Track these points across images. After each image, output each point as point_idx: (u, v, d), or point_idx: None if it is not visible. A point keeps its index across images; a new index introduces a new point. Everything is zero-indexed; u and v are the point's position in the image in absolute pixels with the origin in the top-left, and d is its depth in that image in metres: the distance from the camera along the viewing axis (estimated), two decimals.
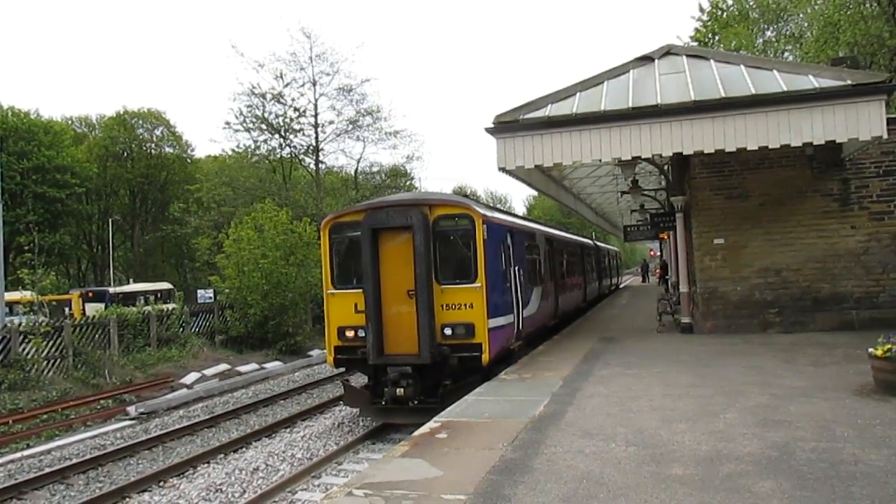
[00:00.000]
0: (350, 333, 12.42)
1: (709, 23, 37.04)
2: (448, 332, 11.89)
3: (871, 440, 6.54)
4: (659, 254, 52.22)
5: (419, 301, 11.70)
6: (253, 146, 41.72)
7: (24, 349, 18.80)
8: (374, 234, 12.05)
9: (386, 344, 12.09)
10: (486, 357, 11.82)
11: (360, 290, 12.15)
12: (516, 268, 14.21)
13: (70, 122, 63.29)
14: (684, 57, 14.87)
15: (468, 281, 12.02)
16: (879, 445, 6.36)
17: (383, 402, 11.99)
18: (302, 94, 40.28)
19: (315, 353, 25.91)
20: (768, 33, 36.13)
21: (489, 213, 13.34)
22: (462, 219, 12.26)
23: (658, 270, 44.46)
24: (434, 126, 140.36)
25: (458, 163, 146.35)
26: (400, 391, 11.67)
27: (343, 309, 12.57)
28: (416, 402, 11.77)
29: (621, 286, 51.48)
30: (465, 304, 11.92)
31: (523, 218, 23.36)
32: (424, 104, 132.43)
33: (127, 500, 10.11)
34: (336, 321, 12.68)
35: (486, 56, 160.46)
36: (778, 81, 12.63)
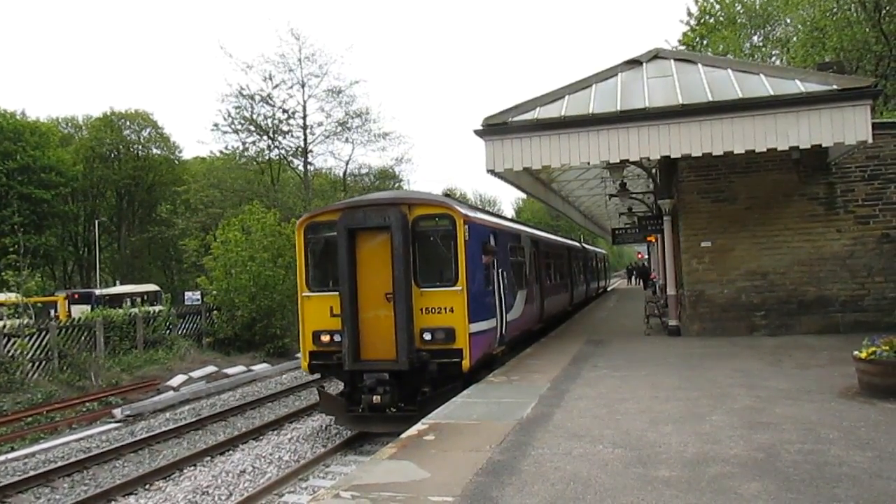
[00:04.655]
0: (325, 338, 12.01)
1: (697, 27, 37.30)
2: (427, 336, 11.45)
3: (856, 442, 6.58)
4: (646, 257, 52.52)
5: (397, 304, 11.29)
6: (241, 148, 41.72)
7: (8, 351, 18.63)
8: (350, 235, 11.64)
9: (363, 349, 11.68)
10: (466, 363, 11.39)
11: (337, 293, 11.73)
12: (500, 270, 13.81)
13: (56, 122, 62.88)
14: (672, 60, 14.96)
15: (449, 284, 11.61)
16: (864, 447, 6.41)
17: (360, 410, 11.62)
18: (291, 96, 40.49)
19: None
20: (755, 38, 36.42)
21: (471, 213, 12.92)
22: (442, 219, 11.82)
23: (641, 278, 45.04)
24: (423, 128, 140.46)
25: (447, 165, 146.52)
26: (377, 398, 11.29)
27: (318, 312, 12.13)
28: (393, 410, 11.42)
29: (609, 289, 51.61)
30: (446, 308, 11.52)
31: (508, 219, 22.99)
32: (414, 106, 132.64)
33: (112, 503, 10.04)
34: (311, 325, 12.26)
35: (476, 58, 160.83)
36: (765, 85, 12.72)
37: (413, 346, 11.28)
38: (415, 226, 11.67)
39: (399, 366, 11.27)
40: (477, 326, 11.83)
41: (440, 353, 11.43)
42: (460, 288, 11.52)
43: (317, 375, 14.61)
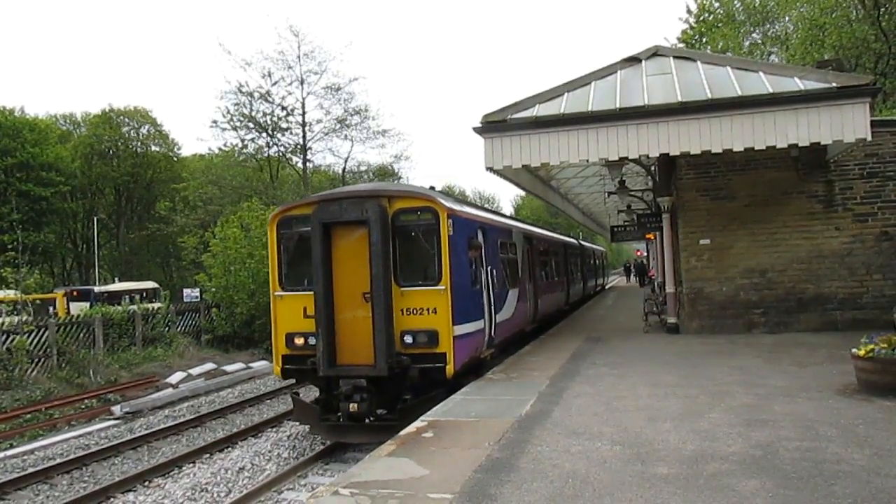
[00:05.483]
0: (299, 341, 11.19)
1: (696, 24, 37.31)
2: (408, 339, 10.70)
3: (854, 440, 6.59)
4: (645, 254, 52.58)
5: (376, 305, 10.49)
6: (240, 145, 41.72)
7: (6, 348, 18.62)
8: (325, 230, 10.84)
9: (339, 353, 10.84)
10: (450, 368, 10.65)
11: (311, 293, 10.89)
12: (489, 268, 13.11)
13: (55, 119, 62.82)
14: (671, 58, 14.94)
15: (431, 282, 10.86)
16: (862, 445, 6.42)
17: (339, 418, 10.90)
18: (290, 93, 40.46)
19: None
20: (755, 35, 36.43)
21: (456, 207, 12.06)
22: (425, 212, 11.01)
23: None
24: (423, 125, 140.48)
25: (446, 162, 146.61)
26: (353, 406, 10.55)
27: (291, 313, 11.34)
28: (372, 419, 10.79)
29: (607, 287, 51.58)
30: (428, 309, 10.74)
31: (499, 213, 22.07)
32: (413, 103, 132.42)
33: (111, 500, 10.05)
34: (284, 327, 11.44)
35: (476, 56, 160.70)
36: (764, 83, 12.72)
37: (393, 350, 10.55)
38: (395, 220, 10.94)
39: (377, 371, 10.50)
40: (462, 328, 11.13)
41: (422, 358, 10.71)
42: (444, 287, 10.79)
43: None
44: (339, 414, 10.87)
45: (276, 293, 11.69)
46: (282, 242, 11.76)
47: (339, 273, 10.93)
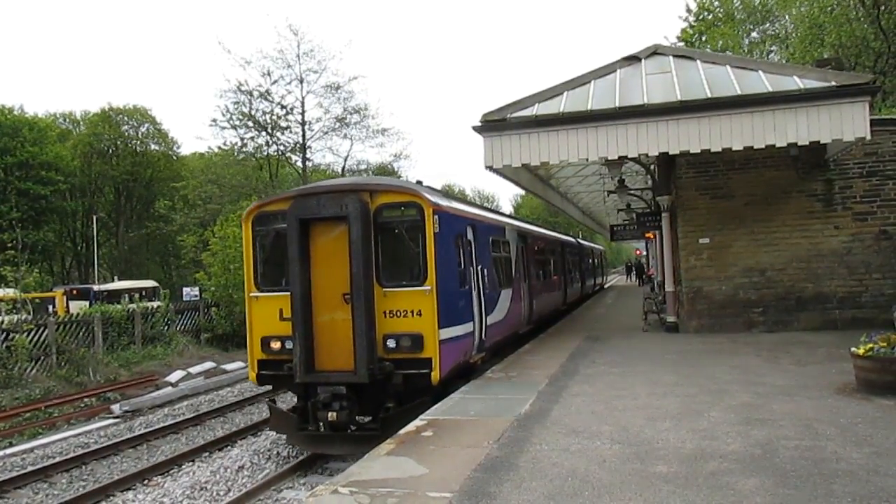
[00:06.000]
0: (275, 345, 10.56)
1: (696, 23, 37.35)
2: (391, 344, 10.06)
3: (853, 438, 6.60)
4: (644, 254, 52.61)
5: (356, 307, 9.85)
6: (239, 143, 41.65)
7: (6, 347, 18.62)
8: (303, 226, 10.22)
9: (317, 358, 10.23)
10: (436, 374, 9.99)
11: (288, 294, 10.29)
12: (479, 267, 12.50)
13: (55, 118, 62.78)
14: (671, 57, 14.93)
15: (416, 283, 10.21)
16: (861, 444, 6.42)
17: (320, 428, 10.34)
18: (289, 92, 40.39)
19: None
20: (754, 34, 36.46)
21: (443, 202, 11.41)
22: (409, 208, 10.39)
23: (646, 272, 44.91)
24: (422, 124, 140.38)
25: (446, 161, 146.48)
26: (332, 415, 9.95)
27: (267, 315, 10.71)
28: (353, 429, 10.32)
29: (606, 286, 51.53)
30: (412, 311, 10.10)
31: (491, 210, 21.30)
32: (413, 102, 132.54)
33: (111, 498, 10.06)
34: (259, 330, 10.86)
35: (476, 54, 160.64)
36: (763, 82, 12.71)
37: (374, 356, 9.90)
38: (377, 216, 10.28)
39: (358, 378, 9.83)
40: (449, 332, 10.47)
41: (406, 364, 10.07)
42: (429, 288, 10.12)
43: None
44: (321, 422, 10.35)
45: (252, 294, 11.14)
46: (257, 240, 11.18)
47: (318, 272, 10.35)
